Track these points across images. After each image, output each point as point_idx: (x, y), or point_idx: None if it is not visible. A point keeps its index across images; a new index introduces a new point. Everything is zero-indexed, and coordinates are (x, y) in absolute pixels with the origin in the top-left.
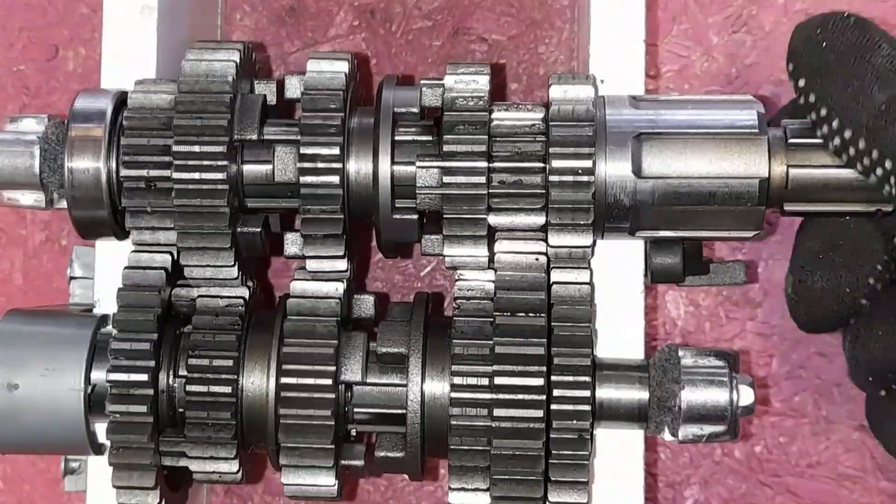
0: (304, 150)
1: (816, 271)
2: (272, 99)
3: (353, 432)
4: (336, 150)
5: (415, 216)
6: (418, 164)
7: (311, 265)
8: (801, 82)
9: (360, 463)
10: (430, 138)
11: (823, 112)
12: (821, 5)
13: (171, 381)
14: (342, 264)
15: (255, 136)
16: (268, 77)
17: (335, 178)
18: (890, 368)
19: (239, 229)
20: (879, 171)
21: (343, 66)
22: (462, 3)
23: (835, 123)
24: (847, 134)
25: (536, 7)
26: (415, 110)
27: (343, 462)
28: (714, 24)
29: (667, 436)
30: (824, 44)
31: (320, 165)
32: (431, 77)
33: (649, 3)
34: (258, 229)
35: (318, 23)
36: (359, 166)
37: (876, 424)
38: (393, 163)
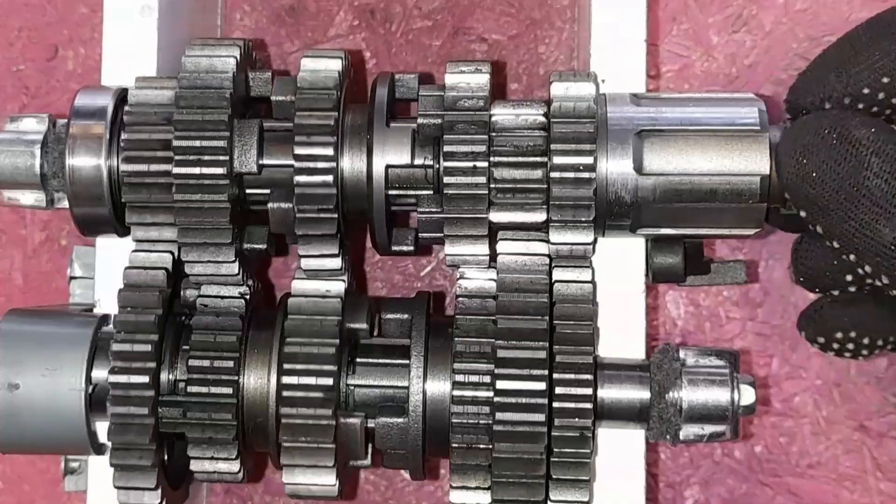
0: (297, 150)
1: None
2: (267, 91)
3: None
4: (330, 150)
5: (409, 214)
6: (416, 163)
7: (306, 264)
8: (804, 214)
9: (366, 462)
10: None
11: (837, 245)
12: (821, 5)
13: (171, 381)
14: (336, 262)
15: (254, 169)
16: None
17: (329, 178)
18: (820, 278)
19: (245, 245)
20: (894, 293)
21: (336, 65)
22: (462, 3)
23: (852, 258)
24: (868, 269)
25: (536, 7)
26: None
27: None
28: (714, 24)
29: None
30: (814, 175)
31: (314, 165)
32: (429, 84)
33: (649, 3)
34: (263, 246)
35: (318, 23)
36: (353, 165)
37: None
38: (387, 163)
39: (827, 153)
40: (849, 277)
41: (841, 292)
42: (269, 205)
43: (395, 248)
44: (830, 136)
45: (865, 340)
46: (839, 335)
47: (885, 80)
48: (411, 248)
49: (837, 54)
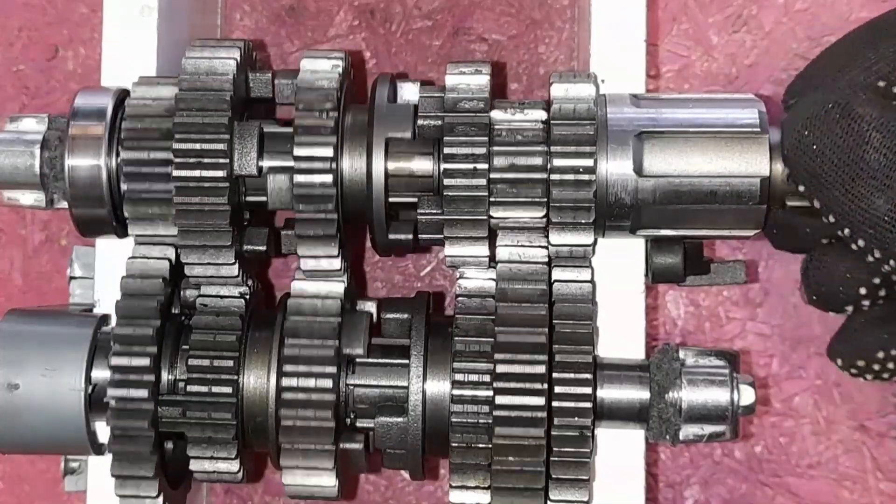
0: (297, 151)
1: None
2: (267, 92)
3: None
4: (329, 152)
5: (409, 215)
6: (417, 164)
7: (305, 264)
8: (802, 188)
9: (359, 446)
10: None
11: (832, 219)
12: (821, 5)
13: (171, 380)
14: (336, 263)
15: (254, 171)
16: None
17: (328, 178)
18: (834, 294)
19: (245, 247)
20: (885, 268)
21: (337, 65)
22: (462, 3)
23: (847, 231)
24: (861, 243)
25: (536, 7)
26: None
27: (343, 445)
28: (714, 24)
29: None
30: (814, 147)
31: (314, 166)
32: (429, 85)
33: (649, 3)
34: (263, 247)
35: (318, 23)
36: (353, 165)
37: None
38: (387, 161)
39: (829, 127)
40: (863, 290)
41: (859, 310)
42: (268, 183)
43: (393, 240)
44: (834, 111)
45: None
46: (881, 355)
47: (881, 83)
48: (409, 236)
49: (834, 56)
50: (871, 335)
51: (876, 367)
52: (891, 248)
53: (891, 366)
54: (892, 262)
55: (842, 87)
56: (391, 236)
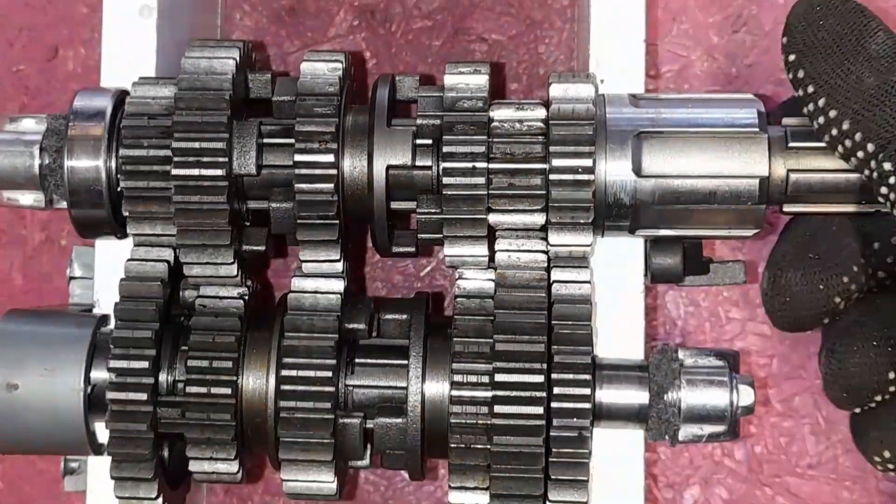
0: (298, 158)
1: (790, 268)
2: (266, 92)
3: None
4: (331, 157)
5: (410, 215)
6: (417, 164)
7: (307, 268)
8: (792, 57)
9: (365, 463)
10: (428, 141)
11: (811, 89)
12: None
13: (170, 381)
14: (338, 267)
15: (253, 171)
16: None
17: (330, 185)
18: (864, 386)
19: (244, 247)
20: (861, 154)
21: (337, 68)
22: (462, 3)
23: (821, 102)
24: (832, 114)
25: (536, 7)
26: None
27: (341, 420)
28: (714, 24)
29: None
30: (820, 21)
31: (315, 172)
32: (428, 85)
33: (649, 3)
34: (262, 247)
35: (318, 23)
36: (353, 167)
37: (857, 436)
38: (388, 165)
39: (840, 13)
40: (892, 375)
41: (882, 401)
42: (270, 205)
43: (395, 249)
44: (850, 3)
45: None
46: None
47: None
48: (412, 248)
49: None
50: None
51: None
52: (864, 119)
53: None
54: (858, 134)
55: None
56: (395, 249)
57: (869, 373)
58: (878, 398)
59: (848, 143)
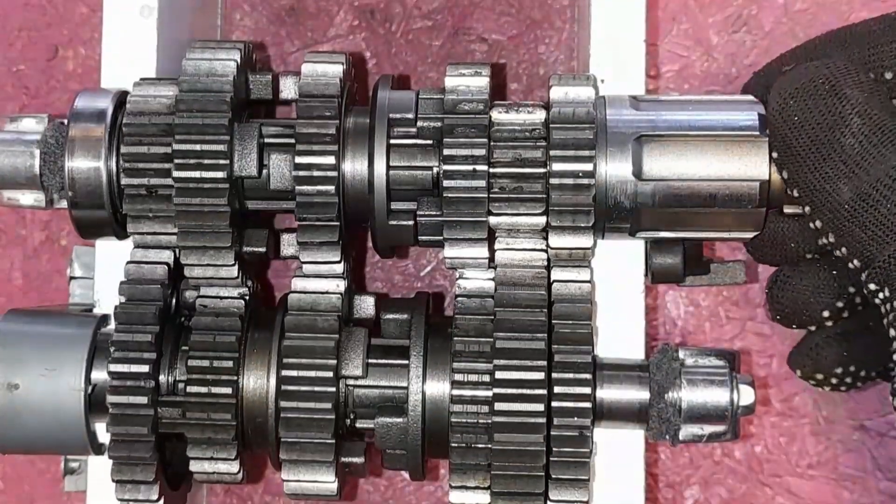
0: (299, 160)
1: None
2: (267, 93)
3: (356, 423)
4: (331, 159)
5: (411, 221)
6: (417, 165)
7: (308, 269)
8: (775, 154)
9: (360, 460)
10: (428, 143)
11: (796, 194)
12: (820, 5)
13: (171, 381)
14: (338, 268)
15: (254, 172)
16: None
17: (331, 188)
18: (797, 315)
19: (245, 248)
20: (850, 266)
21: (338, 70)
22: (462, 3)
23: (807, 209)
24: (818, 224)
25: (536, 7)
26: (410, 116)
27: (344, 459)
28: (714, 24)
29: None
30: (795, 117)
31: (315, 174)
32: (428, 87)
33: (649, 3)
34: (263, 249)
35: (318, 23)
36: (354, 168)
37: (793, 355)
38: (388, 166)
39: (814, 101)
40: (826, 313)
41: (821, 326)
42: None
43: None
44: (823, 86)
45: (862, 373)
46: (839, 370)
47: (882, 73)
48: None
49: (839, 37)
50: (830, 351)
51: (834, 380)
52: (846, 236)
53: (848, 380)
54: (844, 249)
55: (838, 62)
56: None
57: (808, 303)
58: (813, 328)
59: (838, 253)
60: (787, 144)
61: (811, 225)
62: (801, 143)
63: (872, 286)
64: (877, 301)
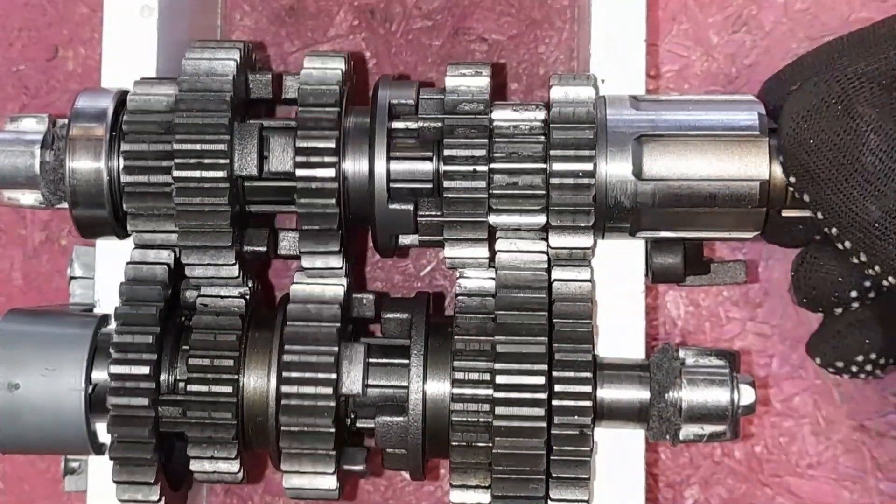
0: (300, 144)
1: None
2: (267, 93)
3: (357, 423)
4: (332, 144)
5: (410, 216)
6: (417, 165)
7: (307, 262)
8: (793, 179)
9: (361, 468)
10: (429, 143)
11: (820, 216)
12: (821, 5)
13: (171, 380)
14: (337, 261)
15: (254, 172)
16: None
17: (331, 172)
18: (826, 297)
19: (245, 248)
20: (885, 284)
21: (339, 64)
22: (462, 3)
23: (834, 231)
24: (848, 245)
25: (536, 7)
26: (410, 116)
27: (346, 468)
28: (714, 24)
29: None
30: (811, 141)
31: (315, 159)
32: (429, 87)
33: (649, 3)
34: (263, 248)
35: (318, 23)
36: (355, 165)
37: (813, 341)
38: (389, 161)
39: (828, 123)
40: (854, 294)
41: (844, 311)
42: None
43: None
44: (836, 106)
45: (882, 360)
46: (860, 358)
47: (890, 79)
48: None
49: (842, 45)
50: (852, 338)
51: (854, 368)
52: (879, 254)
53: (868, 368)
54: (877, 267)
55: (848, 76)
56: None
57: (837, 283)
58: (839, 311)
59: (871, 272)
60: (806, 168)
61: (839, 245)
62: (819, 167)
63: None
64: None
